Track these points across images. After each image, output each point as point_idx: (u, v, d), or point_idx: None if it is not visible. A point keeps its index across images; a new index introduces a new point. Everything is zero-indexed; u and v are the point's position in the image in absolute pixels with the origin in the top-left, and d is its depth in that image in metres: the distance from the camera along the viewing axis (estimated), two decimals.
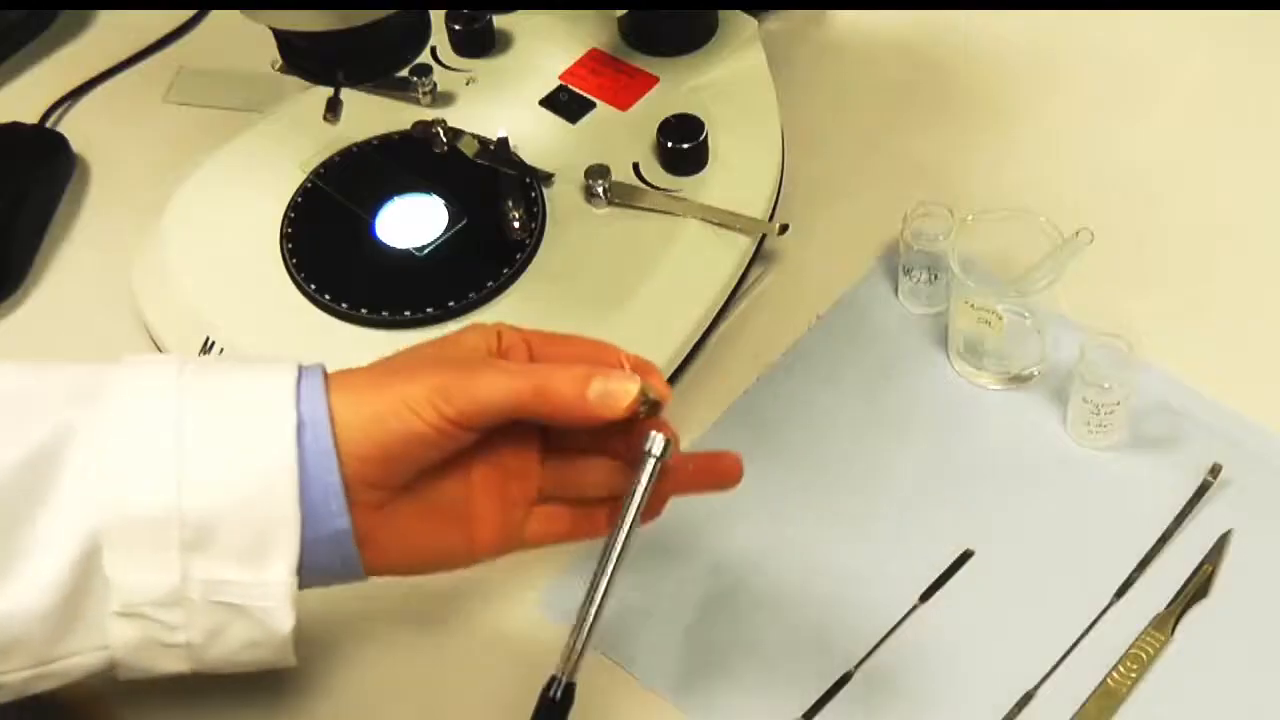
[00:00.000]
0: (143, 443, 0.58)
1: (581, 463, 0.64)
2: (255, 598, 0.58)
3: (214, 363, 0.61)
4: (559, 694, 0.59)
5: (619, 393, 0.59)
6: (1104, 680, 0.71)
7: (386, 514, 0.60)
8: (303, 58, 0.76)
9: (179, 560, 0.57)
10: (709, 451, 0.65)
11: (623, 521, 0.59)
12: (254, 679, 0.72)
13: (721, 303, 0.83)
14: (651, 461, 0.59)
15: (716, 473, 0.65)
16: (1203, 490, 0.76)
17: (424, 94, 0.89)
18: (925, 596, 0.74)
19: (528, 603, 0.76)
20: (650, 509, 0.62)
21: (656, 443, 0.59)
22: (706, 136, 0.85)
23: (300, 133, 0.88)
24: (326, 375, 0.60)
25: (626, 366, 0.61)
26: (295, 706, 0.73)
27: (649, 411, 0.60)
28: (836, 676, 0.72)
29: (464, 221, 0.84)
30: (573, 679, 0.58)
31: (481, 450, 0.62)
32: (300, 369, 0.60)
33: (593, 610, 0.59)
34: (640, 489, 0.59)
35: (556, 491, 0.65)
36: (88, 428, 0.58)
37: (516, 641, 0.75)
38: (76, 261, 0.93)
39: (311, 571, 0.60)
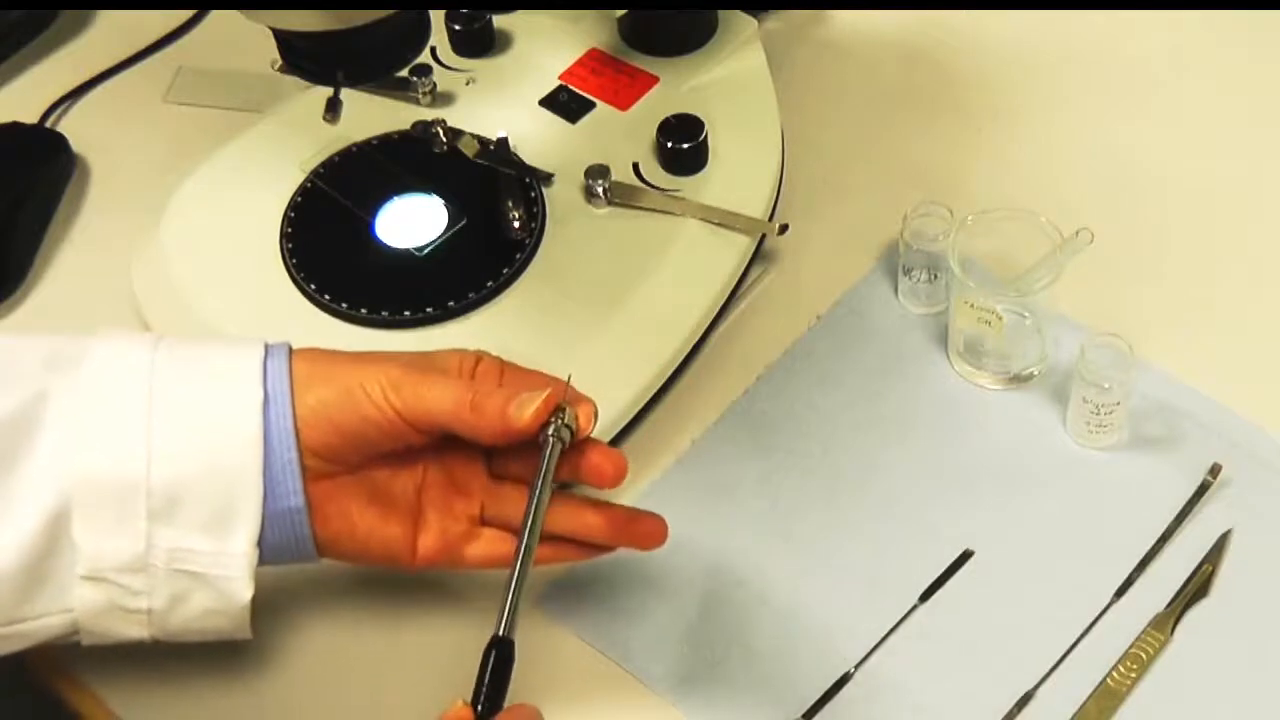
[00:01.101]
0: (114, 412, 0.60)
1: (520, 492, 0.66)
2: (217, 567, 0.61)
3: (187, 338, 0.64)
4: (499, 652, 0.60)
5: (527, 401, 0.62)
6: (1104, 680, 0.71)
7: (336, 487, 0.63)
8: (303, 58, 0.76)
9: (145, 528, 0.60)
10: (633, 509, 0.67)
11: (535, 490, 0.62)
12: (269, 677, 0.72)
13: (721, 303, 0.83)
14: (551, 432, 0.63)
15: (634, 533, 0.67)
16: (1203, 490, 0.76)
17: (424, 94, 0.89)
18: (925, 596, 0.74)
19: (527, 602, 0.75)
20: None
21: (560, 415, 0.63)
22: (706, 136, 0.85)
23: (300, 133, 0.88)
24: (291, 353, 0.63)
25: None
26: (300, 700, 0.73)
27: (566, 437, 0.63)
28: (836, 676, 0.72)
29: (464, 221, 0.84)
30: (511, 636, 0.60)
31: (433, 458, 0.66)
32: (267, 346, 0.63)
33: (516, 569, 0.62)
34: (546, 459, 0.63)
35: (497, 518, 0.67)
36: (62, 395, 0.60)
37: (516, 641, 0.75)
38: (76, 261, 0.93)
39: (269, 547, 0.62)
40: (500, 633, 0.60)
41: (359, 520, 0.65)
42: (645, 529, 0.67)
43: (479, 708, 0.58)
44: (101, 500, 0.60)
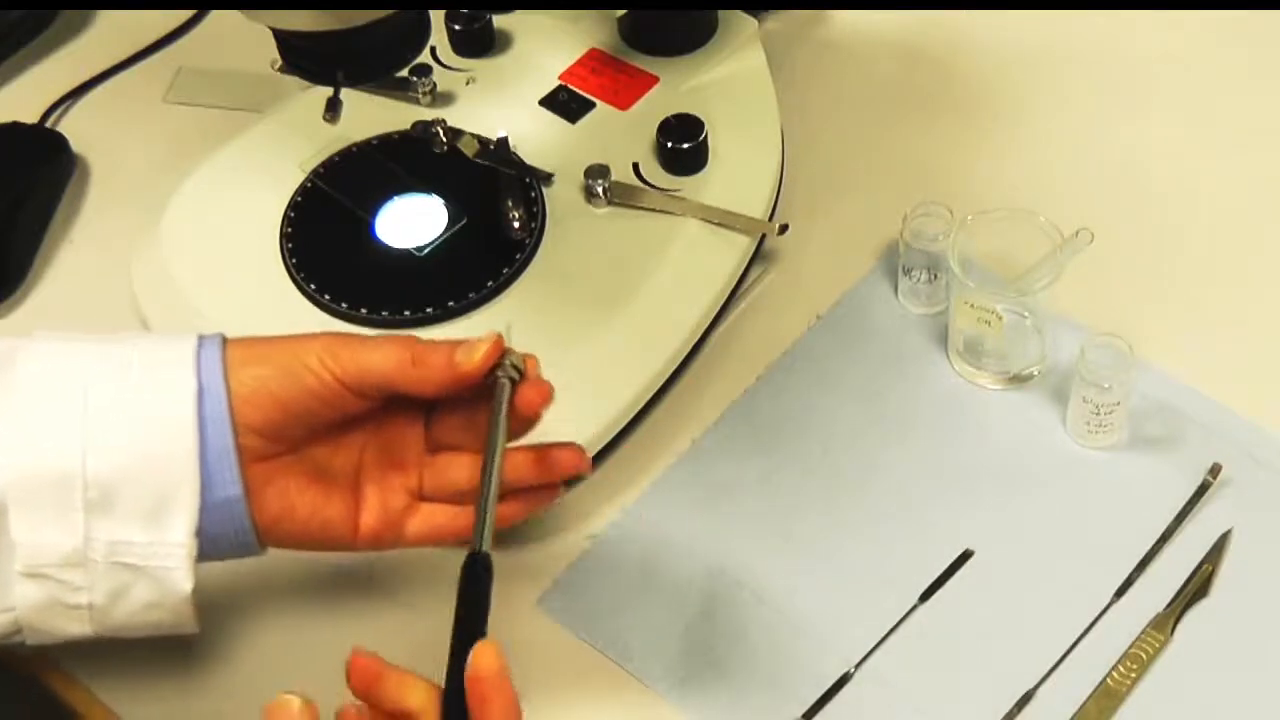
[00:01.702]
0: (49, 407, 0.61)
1: (459, 459, 0.67)
2: (155, 558, 0.61)
3: (121, 335, 0.64)
4: (477, 568, 0.59)
5: (475, 345, 0.63)
6: (1104, 680, 0.71)
7: (276, 468, 0.64)
8: (303, 58, 0.76)
9: (82, 520, 0.60)
10: (547, 444, 0.67)
11: (494, 428, 0.63)
12: (266, 675, 0.72)
13: (721, 303, 0.83)
14: (500, 373, 0.64)
15: (556, 462, 0.67)
16: (1203, 490, 0.76)
17: (424, 94, 0.89)
18: (925, 596, 0.74)
19: (526, 602, 0.76)
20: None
21: (507, 358, 0.64)
22: (706, 136, 0.85)
23: (300, 133, 0.88)
24: (225, 343, 0.64)
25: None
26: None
27: (515, 376, 0.64)
28: (836, 676, 0.72)
29: (464, 221, 0.84)
30: (488, 551, 0.60)
31: (370, 433, 0.67)
32: (200, 338, 0.64)
33: (486, 489, 0.61)
34: (500, 397, 0.63)
35: (436, 490, 0.67)
36: None
37: (515, 641, 0.75)
38: (76, 261, 0.93)
39: (209, 538, 0.62)
40: (476, 548, 0.59)
41: (299, 501, 0.65)
42: (564, 456, 0.67)
43: (462, 627, 0.57)
44: (38, 494, 0.60)
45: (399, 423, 0.67)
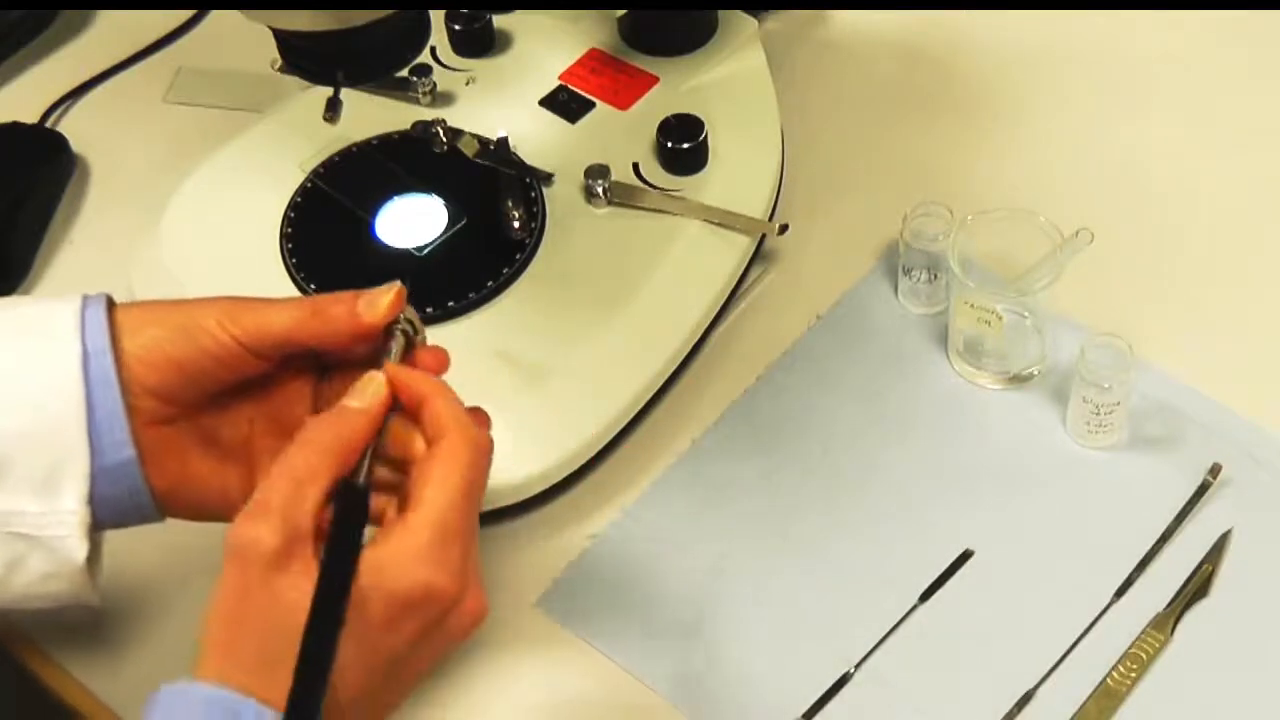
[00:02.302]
0: None
1: None
2: (48, 527, 0.60)
3: (4, 299, 0.64)
4: (352, 497, 0.57)
5: (378, 294, 0.62)
6: (1104, 680, 0.71)
7: (171, 434, 0.63)
8: (303, 58, 0.76)
9: None
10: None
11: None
12: None
13: (721, 303, 0.83)
14: (398, 327, 0.63)
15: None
16: (1203, 490, 0.76)
17: (424, 94, 0.89)
18: (925, 596, 0.74)
19: (526, 602, 0.76)
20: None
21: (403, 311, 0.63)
22: (706, 136, 0.85)
23: (300, 133, 0.88)
24: (112, 305, 0.62)
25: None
26: None
27: (410, 332, 0.63)
28: (836, 677, 0.72)
29: (464, 221, 0.84)
30: (368, 483, 0.58)
31: (259, 400, 0.65)
32: (84, 299, 0.62)
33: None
34: (393, 348, 0.63)
35: None
36: None
37: (515, 641, 0.75)
38: (76, 261, 0.93)
39: (104, 505, 0.61)
40: (359, 478, 0.57)
41: (196, 468, 0.64)
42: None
43: (329, 554, 0.55)
44: None
45: (288, 392, 0.66)
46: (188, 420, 0.64)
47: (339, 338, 0.63)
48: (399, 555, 0.55)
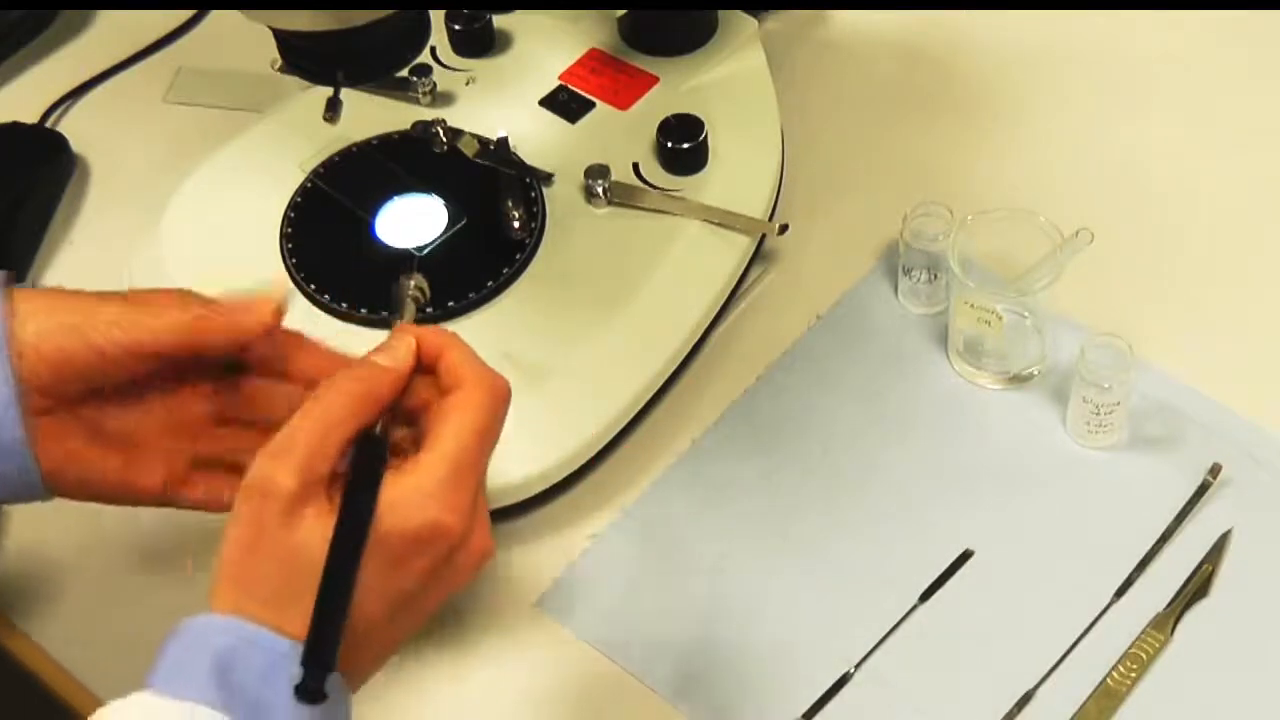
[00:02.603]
0: None
1: (245, 435, 0.66)
2: None
3: None
4: (373, 445, 0.59)
5: (260, 305, 0.63)
6: (1104, 680, 0.71)
7: (57, 422, 0.64)
8: (303, 58, 0.76)
9: None
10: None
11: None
12: None
13: (721, 303, 0.83)
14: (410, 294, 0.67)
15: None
16: (1203, 490, 0.76)
17: (424, 94, 0.89)
18: (925, 596, 0.74)
19: (526, 602, 0.76)
20: None
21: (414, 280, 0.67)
22: (706, 136, 0.85)
23: (300, 133, 0.88)
24: (7, 290, 0.63)
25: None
26: None
27: (416, 298, 0.67)
28: (836, 676, 0.72)
29: (464, 221, 0.84)
30: (386, 434, 0.60)
31: (156, 396, 0.66)
32: None
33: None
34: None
35: (221, 458, 0.67)
36: None
37: (515, 641, 0.75)
38: (76, 261, 0.93)
39: None
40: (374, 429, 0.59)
41: (81, 453, 0.65)
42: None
43: (349, 496, 0.57)
44: None
45: (183, 392, 0.67)
46: (73, 410, 0.65)
47: (229, 337, 0.64)
48: (411, 494, 0.57)
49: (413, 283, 0.66)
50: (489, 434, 0.60)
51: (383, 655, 0.59)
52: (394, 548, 0.57)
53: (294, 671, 0.54)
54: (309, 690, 0.53)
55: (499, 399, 0.61)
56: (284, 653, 0.54)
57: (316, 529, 0.56)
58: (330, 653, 0.54)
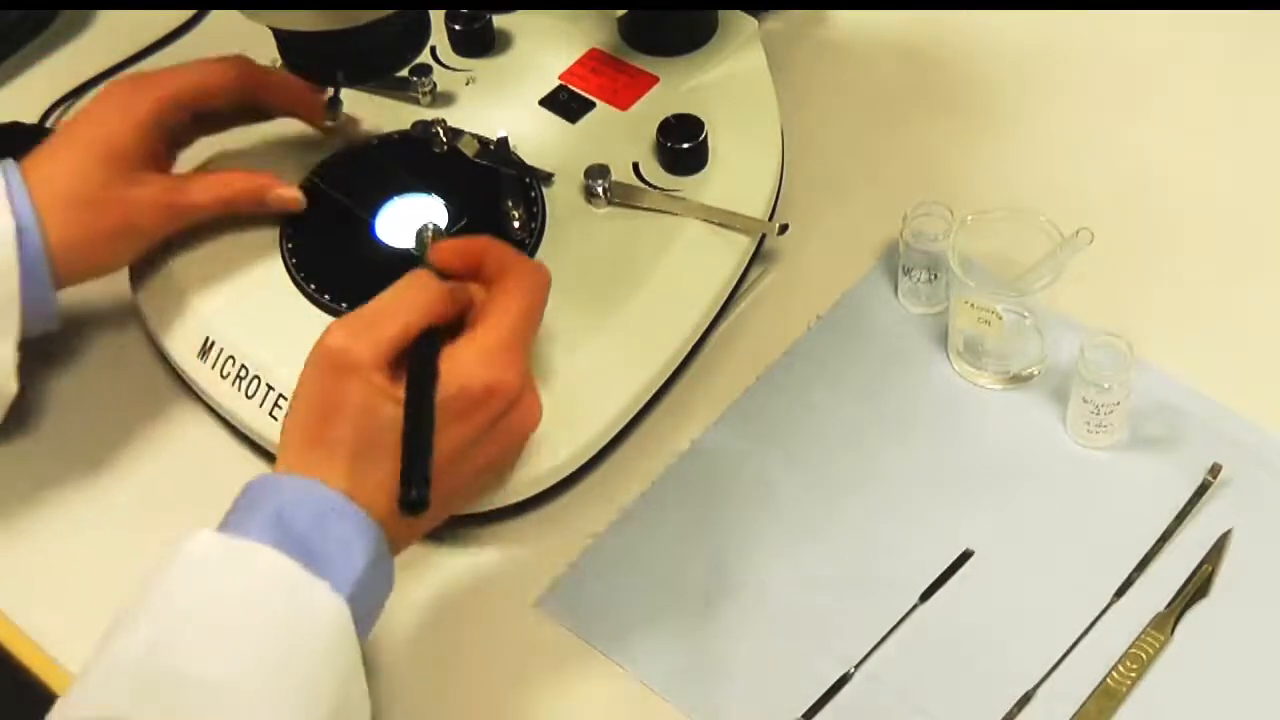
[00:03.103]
0: None
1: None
2: None
3: None
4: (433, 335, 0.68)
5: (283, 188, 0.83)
6: (1104, 680, 0.71)
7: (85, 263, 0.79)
8: (303, 58, 0.76)
9: None
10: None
11: None
12: None
13: (721, 303, 0.83)
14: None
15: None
16: (1203, 490, 0.76)
17: (424, 94, 0.89)
18: (925, 596, 0.74)
19: (526, 602, 0.76)
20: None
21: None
22: (706, 136, 0.85)
23: (300, 132, 0.88)
24: (22, 173, 0.77)
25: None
26: None
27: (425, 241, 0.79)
28: (836, 676, 0.72)
29: (464, 221, 0.84)
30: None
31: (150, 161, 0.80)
32: (3, 169, 0.76)
33: None
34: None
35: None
36: None
37: (515, 641, 0.75)
38: None
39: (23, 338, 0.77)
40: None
41: (105, 264, 0.81)
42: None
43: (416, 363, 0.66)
44: None
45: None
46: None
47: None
48: (471, 356, 0.67)
49: (430, 229, 0.77)
50: (534, 311, 0.70)
51: (438, 509, 0.68)
52: (457, 402, 0.66)
53: (345, 517, 0.63)
54: (412, 502, 0.62)
55: (541, 281, 0.71)
56: (336, 505, 0.63)
57: (389, 393, 0.65)
58: (425, 467, 0.63)
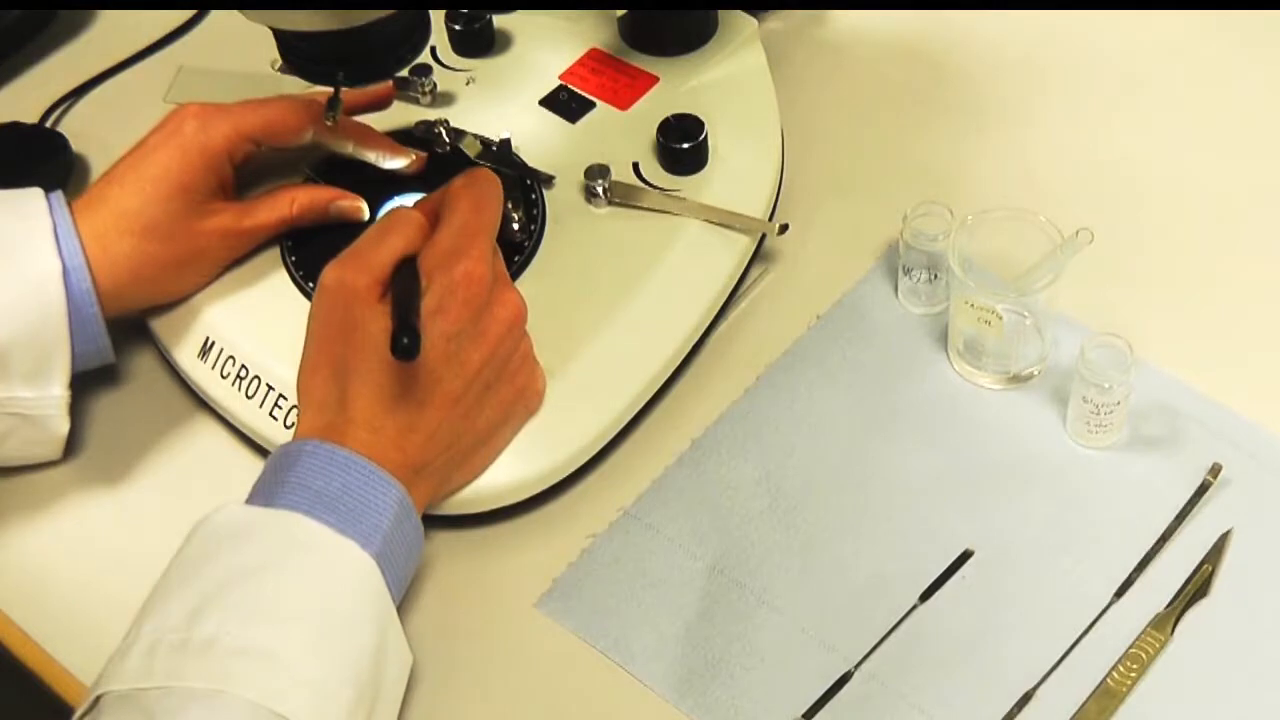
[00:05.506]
0: None
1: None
2: (40, 408, 0.77)
3: None
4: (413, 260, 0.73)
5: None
6: (1104, 680, 0.71)
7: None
8: (303, 58, 0.76)
9: None
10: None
11: None
12: None
13: (721, 303, 0.83)
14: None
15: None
16: (1203, 490, 0.76)
17: (424, 94, 0.89)
18: (925, 596, 0.74)
19: (526, 602, 0.76)
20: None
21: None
22: (706, 136, 0.85)
23: None
24: (85, 204, 0.78)
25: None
26: None
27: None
28: (836, 676, 0.72)
29: None
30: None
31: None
32: (50, 206, 0.77)
33: None
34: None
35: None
36: None
37: (515, 641, 0.75)
38: None
39: (76, 376, 0.78)
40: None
41: (154, 298, 0.82)
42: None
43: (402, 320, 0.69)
44: None
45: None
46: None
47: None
48: (431, 254, 0.72)
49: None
50: (482, 204, 0.74)
51: (441, 421, 0.71)
52: (433, 297, 0.70)
53: (367, 478, 0.68)
54: (405, 348, 0.66)
55: (481, 177, 0.76)
56: (358, 467, 0.68)
57: (379, 318, 0.70)
58: (412, 317, 0.68)
